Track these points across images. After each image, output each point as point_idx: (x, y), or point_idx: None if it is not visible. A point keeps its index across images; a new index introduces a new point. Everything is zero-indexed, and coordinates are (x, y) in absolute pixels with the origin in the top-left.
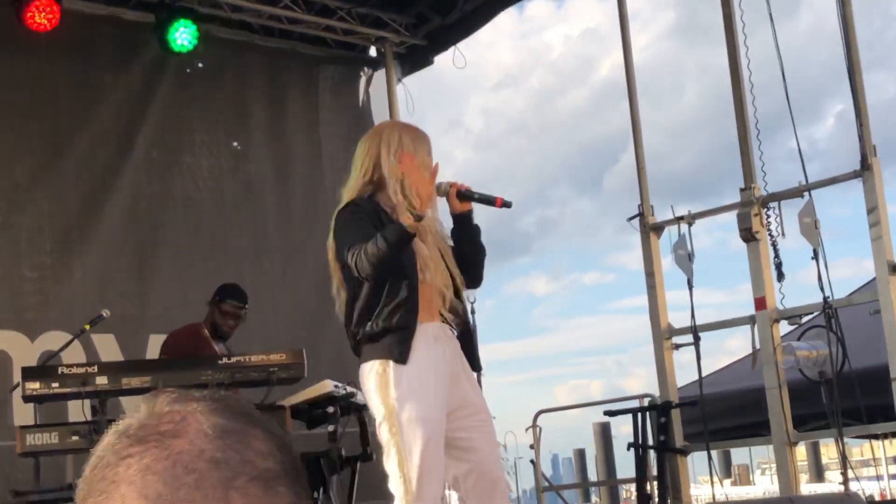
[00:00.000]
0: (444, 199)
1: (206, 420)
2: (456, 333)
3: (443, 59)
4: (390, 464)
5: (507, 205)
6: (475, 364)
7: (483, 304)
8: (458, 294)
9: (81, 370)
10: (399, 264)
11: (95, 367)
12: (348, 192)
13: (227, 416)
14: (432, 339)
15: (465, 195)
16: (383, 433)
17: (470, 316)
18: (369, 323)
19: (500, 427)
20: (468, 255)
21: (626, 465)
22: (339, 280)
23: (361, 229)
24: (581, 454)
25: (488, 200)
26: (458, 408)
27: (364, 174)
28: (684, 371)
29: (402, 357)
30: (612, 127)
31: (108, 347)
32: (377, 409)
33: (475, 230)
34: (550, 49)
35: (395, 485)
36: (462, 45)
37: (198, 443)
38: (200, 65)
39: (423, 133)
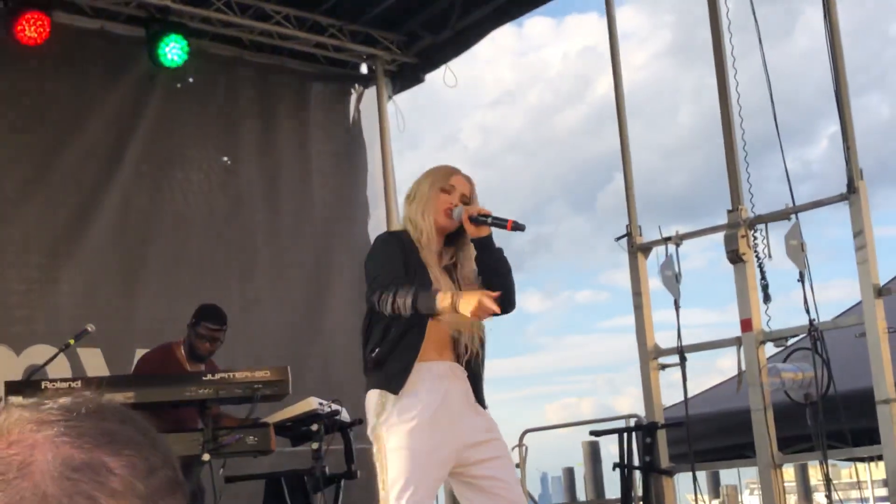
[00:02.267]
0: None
1: (55, 453)
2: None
3: (435, 77)
4: (380, 488)
5: (519, 227)
6: (479, 402)
7: None
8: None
9: (65, 385)
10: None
11: (79, 382)
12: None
13: (82, 445)
14: (436, 377)
15: (477, 219)
16: (375, 459)
17: (481, 356)
18: (377, 349)
19: None
20: (496, 281)
21: (615, 484)
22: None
23: (389, 263)
24: (570, 473)
25: (500, 224)
26: (473, 445)
27: (407, 201)
28: (673, 390)
29: (395, 388)
30: (607, 145)
31: (95, 362)
32: (370, 433)
33: (496, 253)
34: (549, 66)
35: None
36: (459, 61)
37: (42, 486)
38: (191, 80)
39: (455, 168)
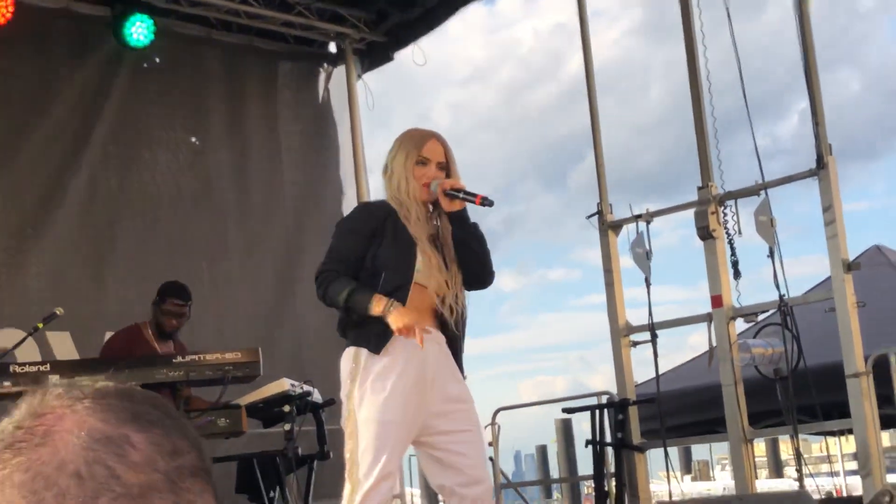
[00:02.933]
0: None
1: (80, 425)
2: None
3: (405, 55)
4: (346, 457)
5: (487, 203)
6: (458, 369)
7: None
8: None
9: (34, 368)
10: (400, 262)
11: (48, 366)
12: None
13: (107, 419)
14: (415, 344)
15: (449, 194)
16: (344, 424)
17: (462, 323)
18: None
19: None
20: (468, 256)
21: (588, 461)
22: None
23: (344, 245)
24: (543, 451)
25: (470, 198)
26: (443, 413)
27: (385, 177)
28: (645, 367)
29: (377, 347)
30: (578, 123)
31: (64, 345)
32: (344, 396)
33: (470, 227)
34: (520, 44)
35: (346, 481)
36: (429, 39)
37: (63, 453)
38: (158, 59)
39: (425, 132)
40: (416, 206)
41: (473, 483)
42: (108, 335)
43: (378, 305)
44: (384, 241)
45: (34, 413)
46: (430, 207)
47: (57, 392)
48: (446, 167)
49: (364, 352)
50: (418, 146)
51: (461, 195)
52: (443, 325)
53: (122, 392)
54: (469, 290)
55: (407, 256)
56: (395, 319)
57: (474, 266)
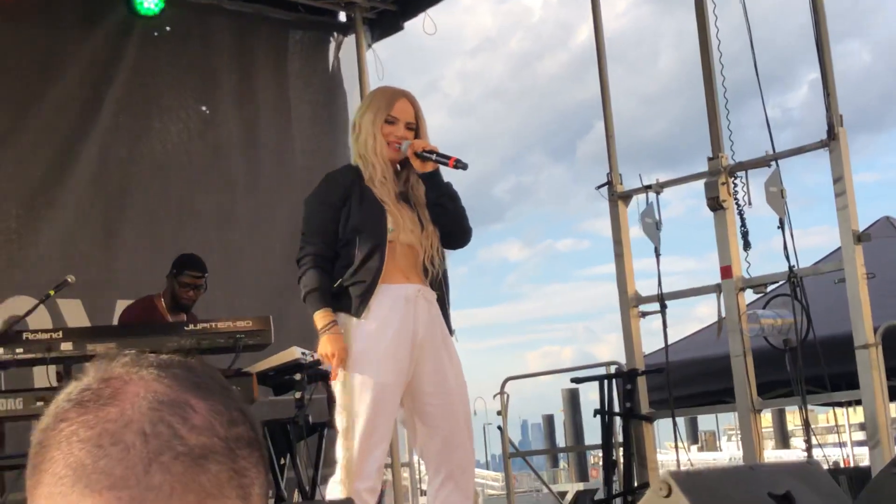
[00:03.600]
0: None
1: (146, 388)
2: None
3: (415, 25)
4: (339, 424)
5: (461, 166)
6: (447, 328)
7: (457, 270)
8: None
9: (46, 336)
10: (370, 223)
11: (60, 333)
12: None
13: (172, 385)
14: (402, 300)
15: (422, 155)
16: (336, 391)
17: (445, 280)
18: (340, 279)
19: (470, 394)
20: (443, 216)
21: (594, 431)
22: None
23: (317, 222)
24: (550, 420)
25: (443, 161)
26: (431, 373)
27: (353, 134)
28: (653, 337)
29: (357, 311)
30: (587, 92)
31: (75, 313)
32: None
33: (443, 187)
34: (530, 13)
35: (338, 449)
36: (439, 8)
37: (129, 412)
38: (168, 28)
39: (396, 91)
40: (381, 164)
41: (455, 448)
42: (120, 303)
43: (320, 321)
44: (352, 206)
45: (101, 377)
46: (398, 167)
47: (124, 360)
48: (416, 128)
49: (351, 318)
50: (388, 105)
51: (434, 157)
52: (430, 282)
53: (185, 364)
54: (448, 248)
55: (377, 218)
56: (321, 345)
57: (450, 226)
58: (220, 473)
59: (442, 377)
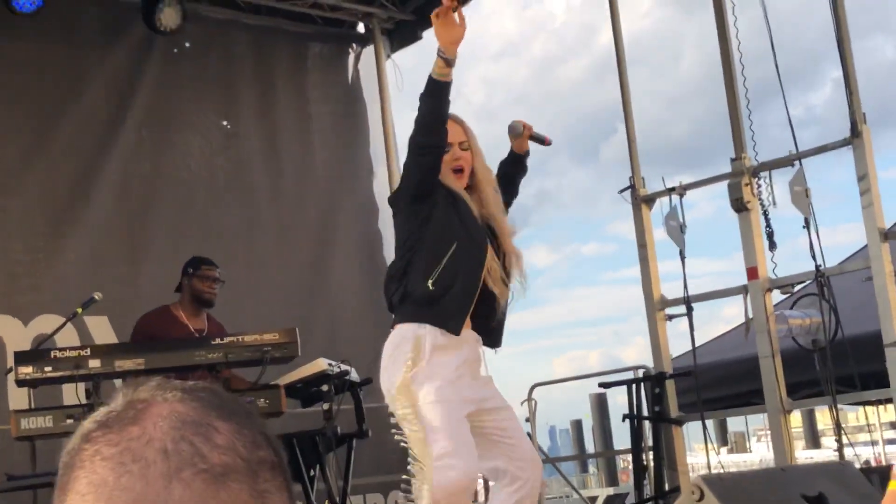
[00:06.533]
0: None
1: (170, 409)
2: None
3: (433, 34)
4: (413, 442)
5: (548, 143)
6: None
7: None
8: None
9: (74, 353)
10: (470, 241)
11: (88, 351)
12: None
13: (194, 407)
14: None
15: (534, 137)
16: (395, 403)
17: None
18: (429, 280)
19: None
20: (510, 187)
21: (622, 435)
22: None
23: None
24: (578, 425)
25: (541, 140)
26: (485, 393)
27: None
28: (681, 339)
29: (456, 328)
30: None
31: (102, 329)
32: (395, 375)
33: (526, 165)
34: (553, 18)
35: (417, 465)
36: None
37: (151, 431)
38: (188, 44)
39: None
40: (459, 193)
41: (530, 461)
42: None
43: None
44: (451, 214)
45: (126, 402)
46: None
47: (149, 386)
48: (468, 147)
49: (427, 329)
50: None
51: (536, 136)
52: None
53: (210, 388)
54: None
55: (482, 241)
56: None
57: (512, 191)
58: (241, 492)
59: (495, 396)
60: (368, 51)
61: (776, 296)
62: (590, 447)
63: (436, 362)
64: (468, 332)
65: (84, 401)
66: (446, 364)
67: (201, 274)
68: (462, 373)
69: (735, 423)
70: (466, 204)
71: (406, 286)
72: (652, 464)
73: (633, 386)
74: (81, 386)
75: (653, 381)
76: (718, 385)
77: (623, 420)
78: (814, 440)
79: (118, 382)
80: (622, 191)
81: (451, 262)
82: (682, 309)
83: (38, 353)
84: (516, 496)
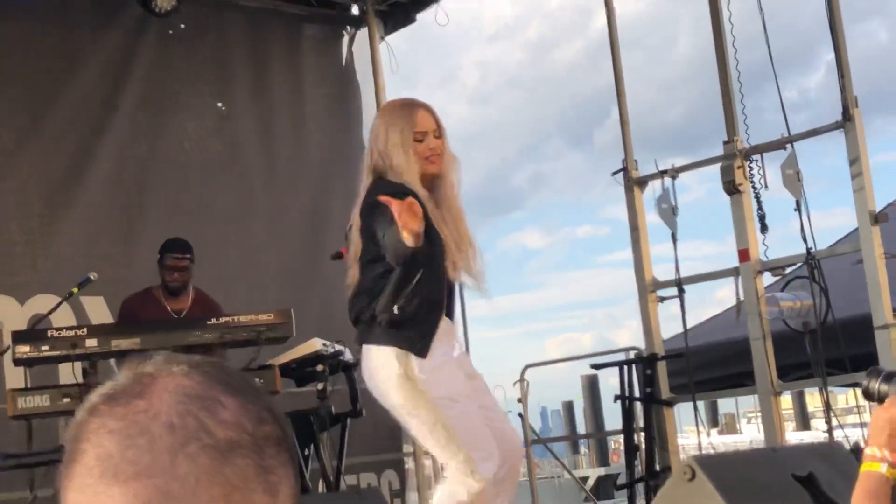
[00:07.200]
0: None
1: (175, 383)
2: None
3: (427, 16)
4: (435, 448)
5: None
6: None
7: None
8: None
9: (71, 333)
10: (433, 255)
11: (85, 330)
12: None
13: (200, 382)
14: (443, 334)
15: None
16: (414, 422)
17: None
18: (394, 306)
19: (490, 381)
20: None
21: (614, 416)
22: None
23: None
24: (569, 406)
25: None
26: (473, 388)
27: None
28: (673, 322)
29: (422, 351)
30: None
31: (98, 309)
32: (400, 397)
33: None
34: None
35: (447, 468)
36: None
37: (157, 405)
38: (183, 26)
39: (409, 108)
40: (422, 192)
41: (517, 449)
42: None
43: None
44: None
45: (132, 375)
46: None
47: (155, 361)
48: (439, 135)
49: (409, 356)
50: (411, 122)
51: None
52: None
53: (215, 363)
54: None
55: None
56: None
57: None
58: (247, 467)
59: (481, 388)
60: (362, 33)
61: (767, 278)
62: (581, 428)
63: (432, 377)
64: (446, 324)
65: (80, 380)
66: (442, 372)
67: (165, 263)
68: (454, 369)
69: (726, 405)
70: (425, 207)
71: (385, 308)
72: (643, 444)
73: (625, 367)
74: (78, 365)
75: (644, 362)
76: (709, 367)
77: (614, 401)
78: (804, 422)
79: (115, 361)
80: (615, 173)
81: (420, 281)
82: (673, 291)
83: (35, 332)
84: (499, 474)
